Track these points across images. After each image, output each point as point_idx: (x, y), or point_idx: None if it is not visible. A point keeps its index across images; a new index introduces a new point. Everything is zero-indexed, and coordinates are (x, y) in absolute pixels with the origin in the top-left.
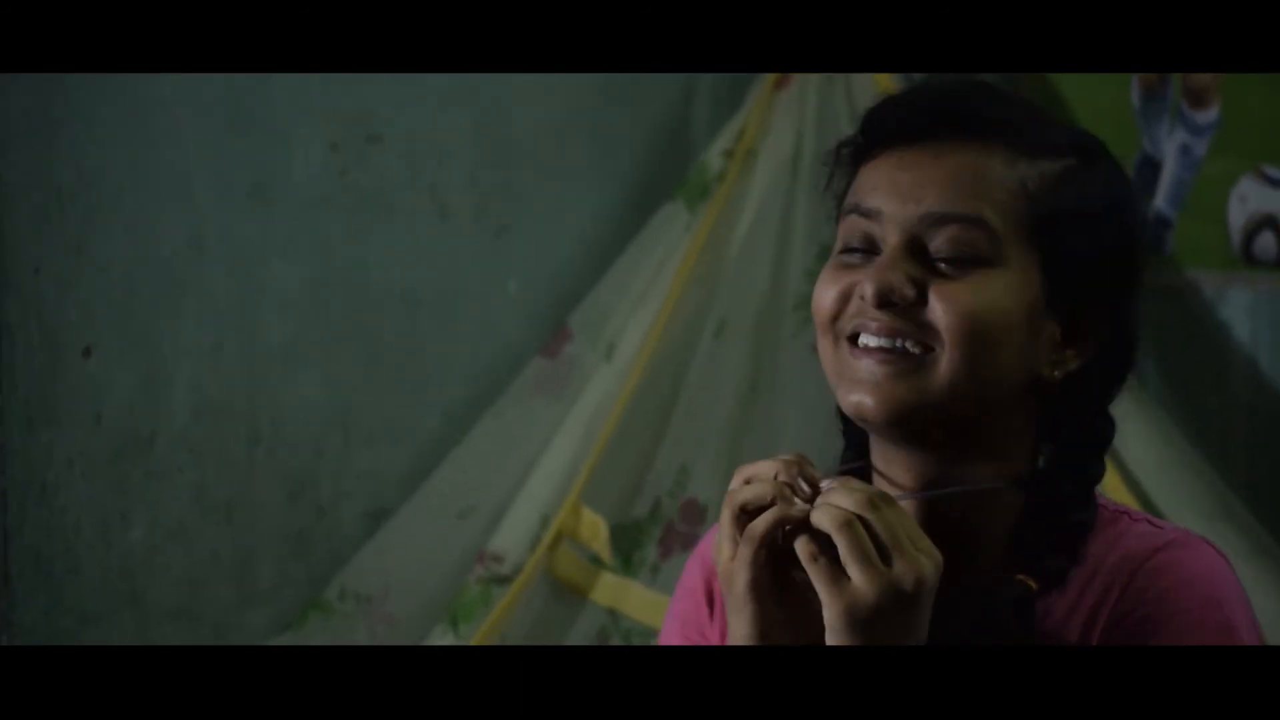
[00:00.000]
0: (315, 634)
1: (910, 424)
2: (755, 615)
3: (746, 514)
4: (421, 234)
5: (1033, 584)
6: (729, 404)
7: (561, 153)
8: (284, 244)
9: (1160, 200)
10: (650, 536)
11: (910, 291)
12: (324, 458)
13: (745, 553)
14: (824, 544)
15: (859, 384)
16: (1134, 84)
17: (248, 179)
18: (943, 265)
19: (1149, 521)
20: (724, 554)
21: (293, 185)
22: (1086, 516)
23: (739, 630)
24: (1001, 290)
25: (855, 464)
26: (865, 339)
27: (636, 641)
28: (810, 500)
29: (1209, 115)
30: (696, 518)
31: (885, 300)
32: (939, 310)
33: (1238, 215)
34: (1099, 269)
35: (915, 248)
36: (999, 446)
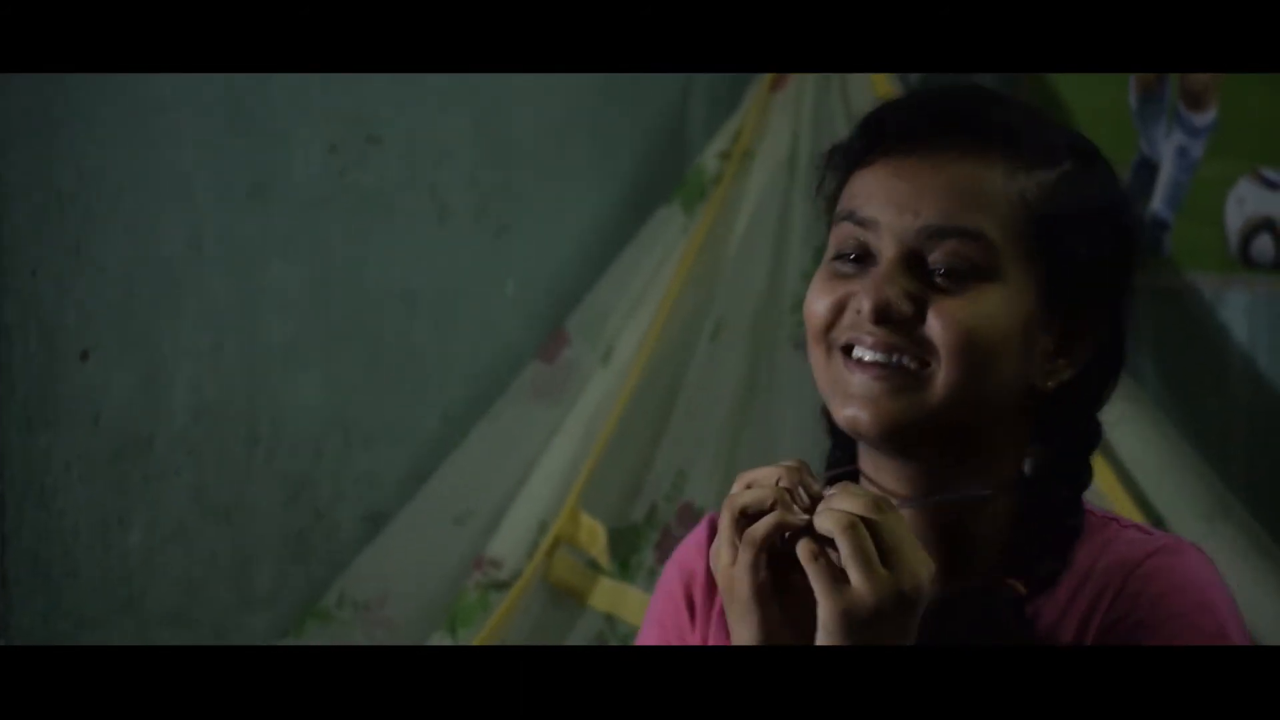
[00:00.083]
0: (314, 641)
1: (905, 439)
2: (761, 620)
3: (746, 518)
4: (420, 235)
5: (1022, 589)
6: (726, 406)
7: (560, 154)
8: (283, 245)
9: (1158, 202)
10: (647, 540)
11: (908, 308)
12: (323, 459)
13: (746, 557)
14: (825, 547)
15: (854, 399)
16: (1131, 86)
17: (247, 179)
18: (940, 279)
19: (1138, 528)
20: (723, 559)
21: (292, 186)
22: (1075, 521)
23: (745, 635)
24: (1000, 305)
25: (847, 468)
26: (860, 352)
27: None
28: (810, 509)
29: (1206, 117)
30: (693, 521)
31: (883, 316)
32: (937, 327)
33: (1235, 217)
34: (1094, 276)
35: (913, 261)
36: (991, 455)
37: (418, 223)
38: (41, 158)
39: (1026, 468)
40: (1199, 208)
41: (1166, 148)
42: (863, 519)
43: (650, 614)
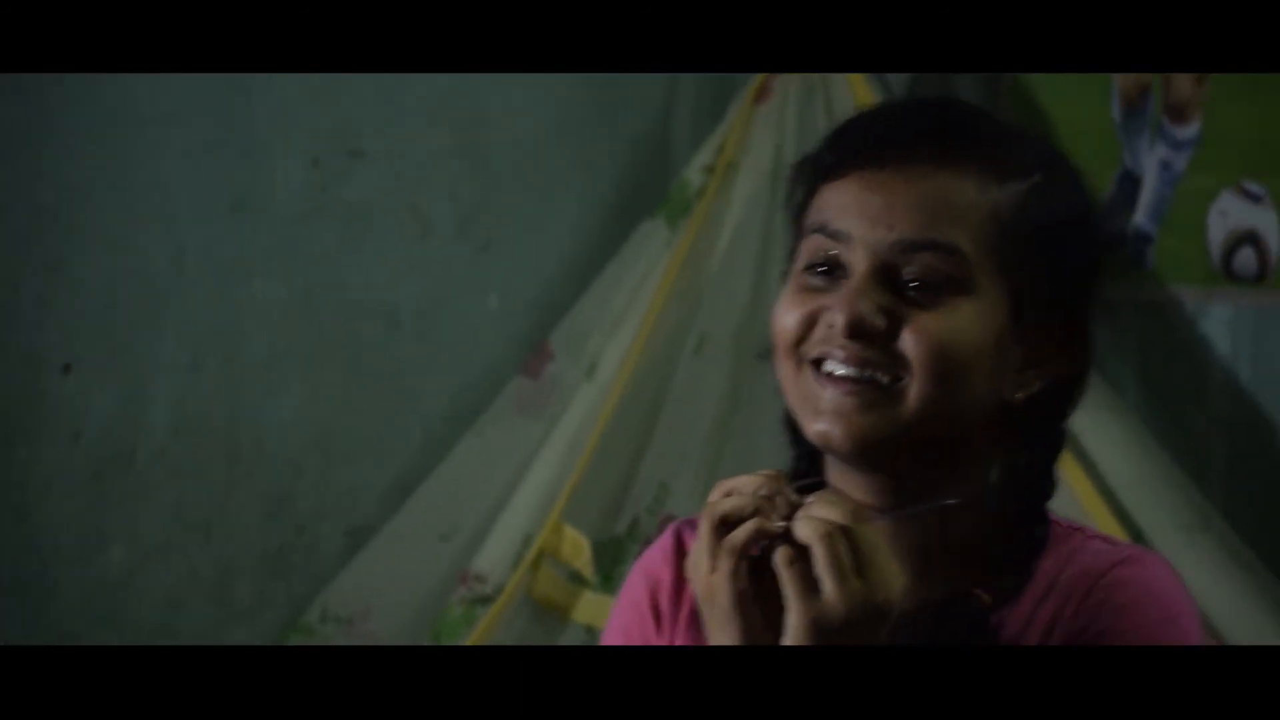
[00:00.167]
0: None
1: (877, 454)
2: (742, 628)
3: (726, 526)
4: (403, 250)
5: (987, 599)
6: (709, 420)
7: (543, 168)
8: (265, 260)
9: (1141, 215)
10: (629, 553)
11: (882, 322)
12: (304, 475)
13: (726, 565)
14: (802, 554)
15: (825, 414)
16: (1115, 98)
17: (228, 194)
18: (914, 292)
19: (1104, 539)
20: (702, 568)
21: (273, 201)
22: (1041, 531)
23: (725, 643)
24: (973, 319)
25: (814, 480)
26: (832, 366)
27: None
28: (789, 516)
29: (1189, 130)
30: None
31: (857, 331)
32: (910, 341)
33: (1218, 230)
34: (1064, 287)
35: (886, 274)
36: (960, 467)
37: (400, 238)
38: (23, 173)
39: (992, 478)
40: (1182, 220)
41: (1150, 161)
42: (840, 528)
43: (613, 622)
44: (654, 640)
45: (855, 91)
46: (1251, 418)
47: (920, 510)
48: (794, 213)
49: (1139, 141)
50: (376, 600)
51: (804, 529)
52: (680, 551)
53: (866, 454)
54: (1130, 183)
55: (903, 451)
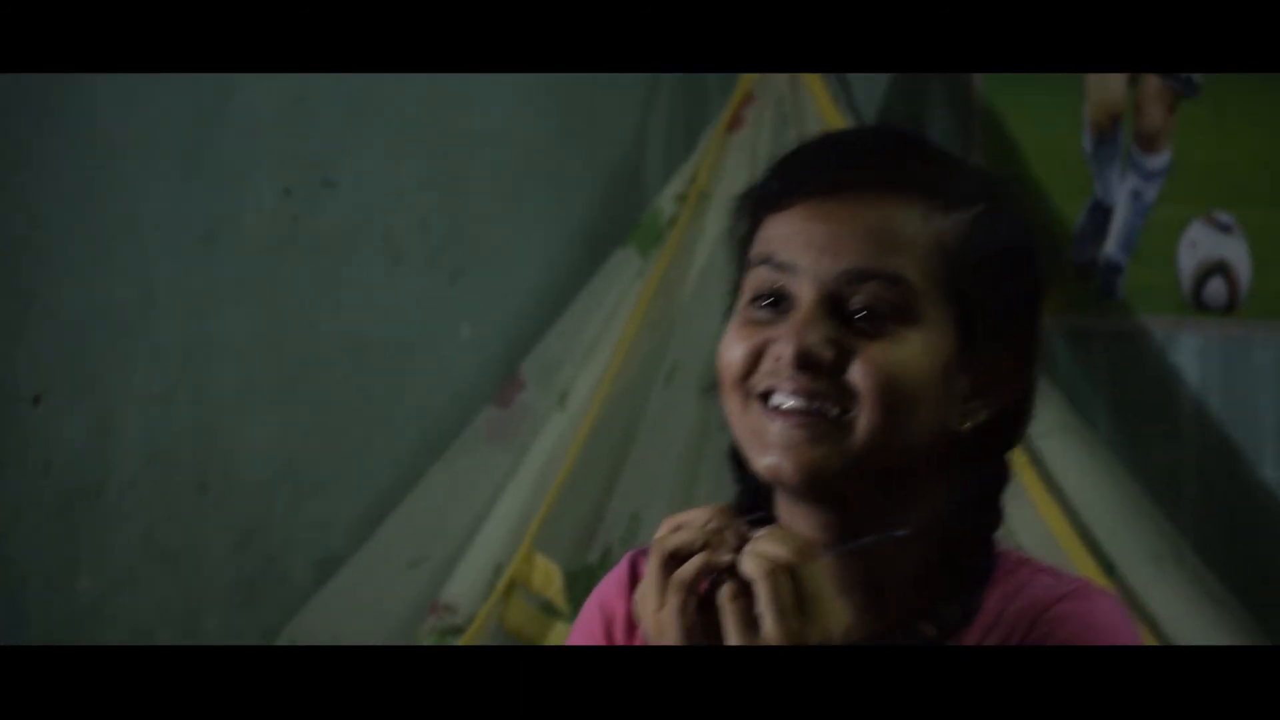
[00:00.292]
0: None
1: (827, 486)
2: None
3: (675, 561)
4: (374, 280)
5: (931, 630)
6: (681, 449)
7: (514, 198)
8: (235, 290)
9: (1111, 245)
10: None
11: (830, 353)
12: (274, 506)
13: (675, 601)
14: (746, 589)
15: (773, 447)
16: (1085, 129)
17: (199, 225)
18: (861, 323)
19: (1051, 572)
20: (650, 604)
21: (244, 231)
22: (985, 563)
23: None
24: (920, 349)
25: (761, 514)
26: (780, 399)
27: None
28: (739, 549)
29: (1160, 160)
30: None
31: (805, 363)
32: (859, 373)
33: (1188, 260)
34: (1009, 316)
35: (833, 305)
36: (907, 499)
37: (371, 268)
38: None
39: (939, 510)
40: (1152, 251)
41: (1120, 191)
42: (785, 566)
43: None
44: None
45: (827, 120)
46: (1222, 447)
47: (867, 543)
48: (738, 245)
49: (1110, 171)
50: (345, 629)
51: (749, 564)
52: (635, 581)
53: (816, 486)
54: (1101, 212)
55: (853, 484)
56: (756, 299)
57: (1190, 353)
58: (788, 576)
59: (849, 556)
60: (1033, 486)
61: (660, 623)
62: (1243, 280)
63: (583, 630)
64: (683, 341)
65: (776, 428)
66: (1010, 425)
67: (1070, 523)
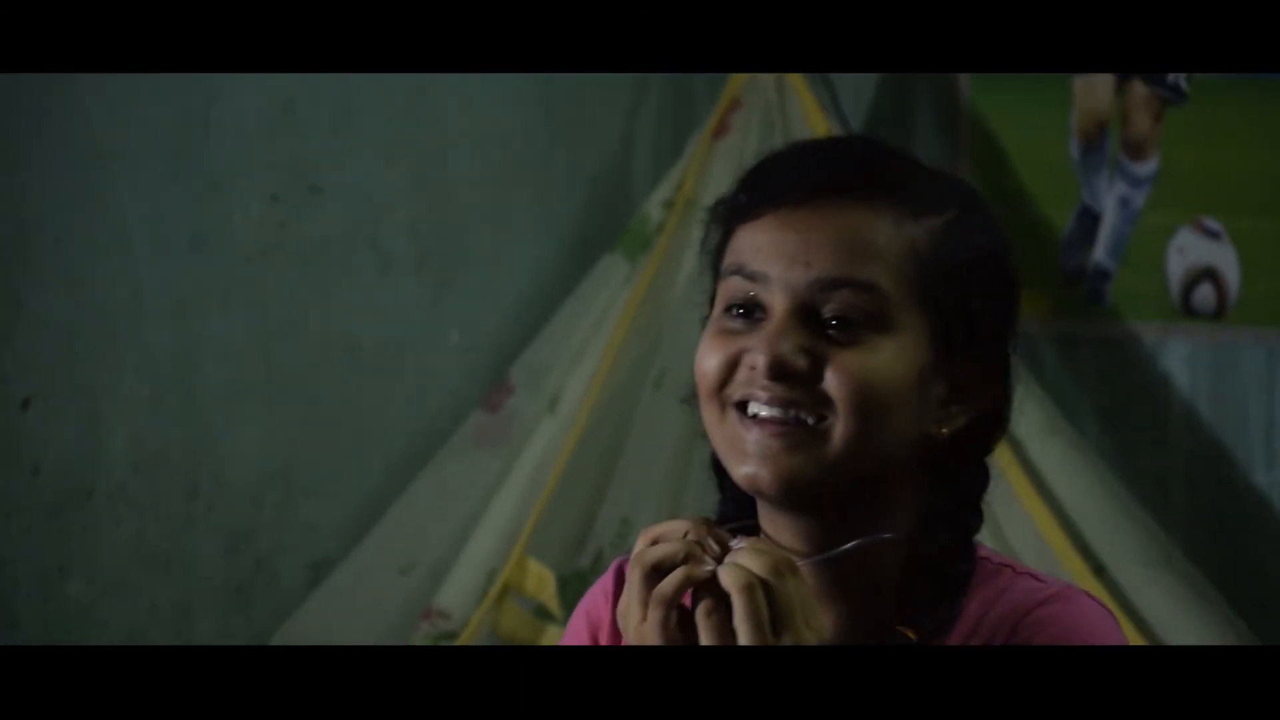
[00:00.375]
0: None
1: (805, 494)
2: None
3: (657, 574)
4: (362, 285)
5: (912, 635)
6: (670, 454)
7: (502, 204)
8: (224, 295)
9: (1100, 252)
10: None
11: (803, 362)
12: (264, 510)
13: (657, 616)
14: (723, 601)
15: (751, 456)
16: (1073, 136)
17: (187, 230)
18: (834, 331)
19: (1033, 575)
20: (633, 617)
21: (233, 237)
22: (966, 567)
23: None
24: (894, 355)
25: (747, 522)
26: (756, 408)
27: None
28: (719, 559)
29: (1148, 167)
30: None
31: (778, 372)
32: (833, 381)
33: (1176, 267)
34: (982, 321)
35: (805, 313)
36: (887, 505)
37: (360, 273)
38: None
39: (919, 515)
40: (1140, 257)
41: (1108, 197)
42: (762, 580)
43: None
44: None
45: (813, 126)
46: (1210, 453)
47: (848, 550)
48: (711, 256)
49: (1098, 178)
50: (337, 636)
51: (726, 577)
52: (621, 587)
53: (793, 495)
54: (1089, 219)
55: (831, 491)
56: (730, 309)
57: (1179, 359)
58: (764, 590)
59: (831, 563)
60: (1022, 489)
61: (643, 636)
62: (1231, 286)
63: (571, 638)
64: (671, 347)
65: (753, 437)
66: (988, 429)
67: (1060, 525)
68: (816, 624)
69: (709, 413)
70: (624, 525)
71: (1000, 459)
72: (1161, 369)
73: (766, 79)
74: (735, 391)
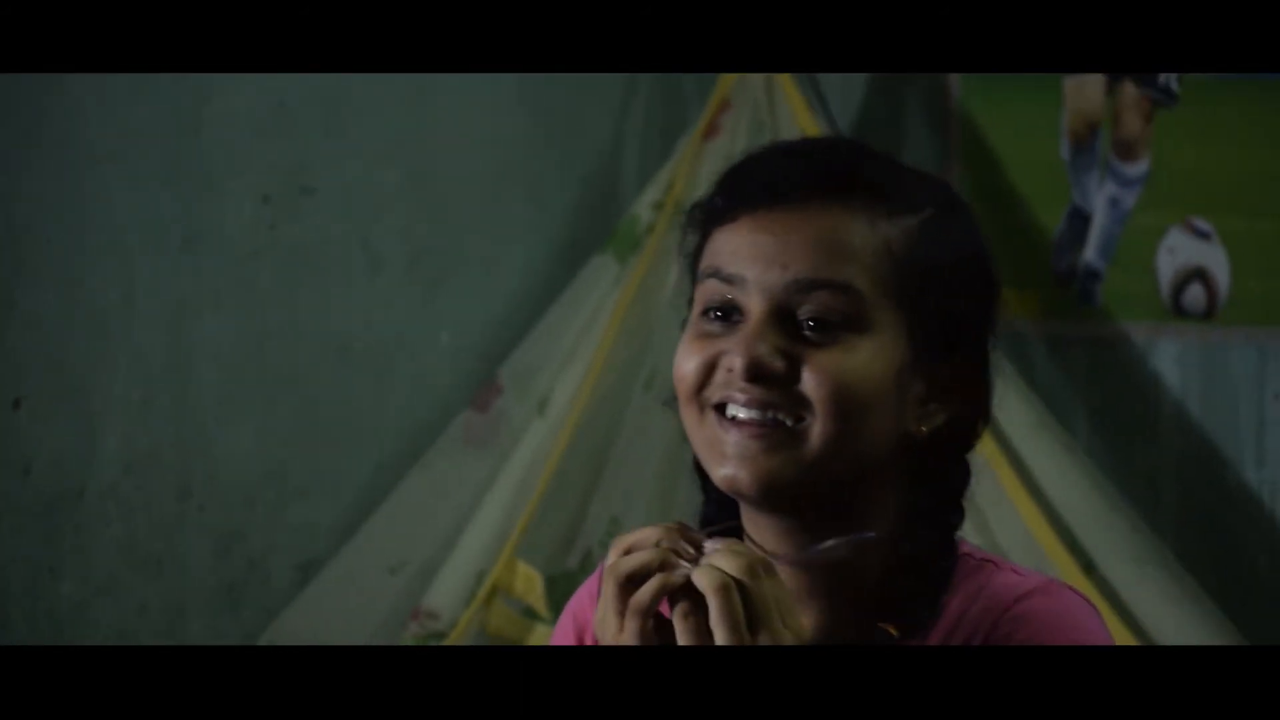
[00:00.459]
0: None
1: (785, 495)
2: None
3: (632, 585)
4: (354, 287)
5: (894, 631)
6: (660, 454)
7: (493, 205)
8: (215, 296)
9: (1090, 252)
10: None
11: (780, 364)
12: (255, 511)
13: (634, 625)
14: (699, 605)
15: (730, 458)
16: (1063, 136)
17: (179, 231)
18: (811, 332)
19: (1015, 570)
20: (610, 628)
21: (224, 237)
22: (948, 564)
23: None
24: (872, 355)
25: (730, 523)
26: (734, 410)
27: None
28: (694, 562)
29: (1138, 168)
30: None
31: (755, 374)
32: (811, 382)
33: (1166, 267)
34: (961, 319)
35: (782, 315)
36: (868, 505)
37: (351, 274)
38: None
39: (900, 513)
40: (1131, 257)
41: (1099, 198)
42: (738, 581)
43: None
44: None
45: (802, 127)
46: (1201, 453)
47: (827, 549)
48: (688, 259)
49: (1088, 179)
50: (325, 635)
51: (702, 579)
52: None
53: (773, 496)
54: (1079, 219)
55: (810, 492)
56: (707, 311)
57: (1169, 359)
58: (740, 591)
59: (812, 562)
60: (1011, 487)
61: (621, 645)
62: (1221, 286)
63: (559, 640)
64: (661, 348)
65: (732, 439)
66: (968, 427)
67: (1049, 523)
68: (794, 623)
69: (688, 415)
70: (614, 525)
71: (990, 457)
72: (1152, 369)
73: (756, 80)
74: (714, 394)
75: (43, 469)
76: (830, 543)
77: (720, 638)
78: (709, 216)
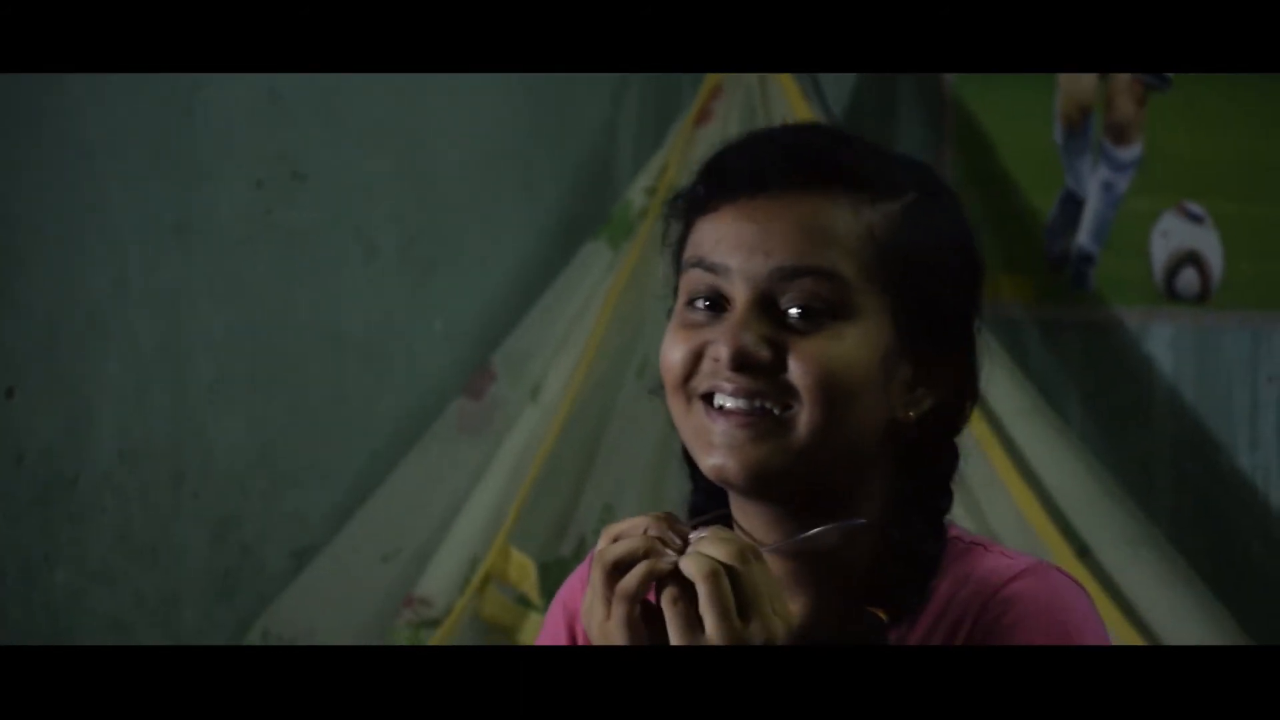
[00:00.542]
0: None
1: (773, 483)
2: None
3: (619, 571)
4: (347, 273)
5: (883, 615)
6: (653, 441)
7: (486, 191)
8: (208, 283)
9: (1083, 236)
10: None
11: (766, 352)
12: (249, 498)
13: (621, 612)
14: (688, 590)
15: (718, 447)
16: (1056, 121)
17: (171, 218)
18: (796, 320)
19: (1003, 553)
20: (597, 615)
21: (216, 224)
22: (937, 547)
23: None
24: (857, 342)
25: (719, 512)
26: (721, 400)
27: None
28: (681, 551)
29: (1131, 152)
30: None
31: (741, 363)
32: (797, 370)
33: (1160, 251)
34: (946, 304)
35: (766, 303)
36: (856, 491)
37: (344, 261)
38: None
39: (889, 497)
40: (1124, 241)
41: (1092, 182)
42: (726, 567)
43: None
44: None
45: (796, 113)
46: (1194, 437)
47: (816, 535)
48: (672, 249)
49: (1081, 163)
50: (320, 622)
51: (690, 566)
52: None
53: (761, 484)
54: (1073, 204)
55: (799, 480)
56: (692, 301)
57: (1162, 343)
58: (728, 577)
59: (801, 548)
60: (1005, 471)
61: (607, 633)
62: (1214, 270)
63: (548, 628)
64: (654, 335)
65: (720, 428)
66: (955, 411)
67: (1043, 507)
68: (783, 610)
69: (675, 405)
70: (607, 512)
71: (983, 441)
72: (1145, 353)
73: None
74: (700, 383)
75: (36, 458)
76: (818, 529)
77: (710, 624)
78: (691, 206)
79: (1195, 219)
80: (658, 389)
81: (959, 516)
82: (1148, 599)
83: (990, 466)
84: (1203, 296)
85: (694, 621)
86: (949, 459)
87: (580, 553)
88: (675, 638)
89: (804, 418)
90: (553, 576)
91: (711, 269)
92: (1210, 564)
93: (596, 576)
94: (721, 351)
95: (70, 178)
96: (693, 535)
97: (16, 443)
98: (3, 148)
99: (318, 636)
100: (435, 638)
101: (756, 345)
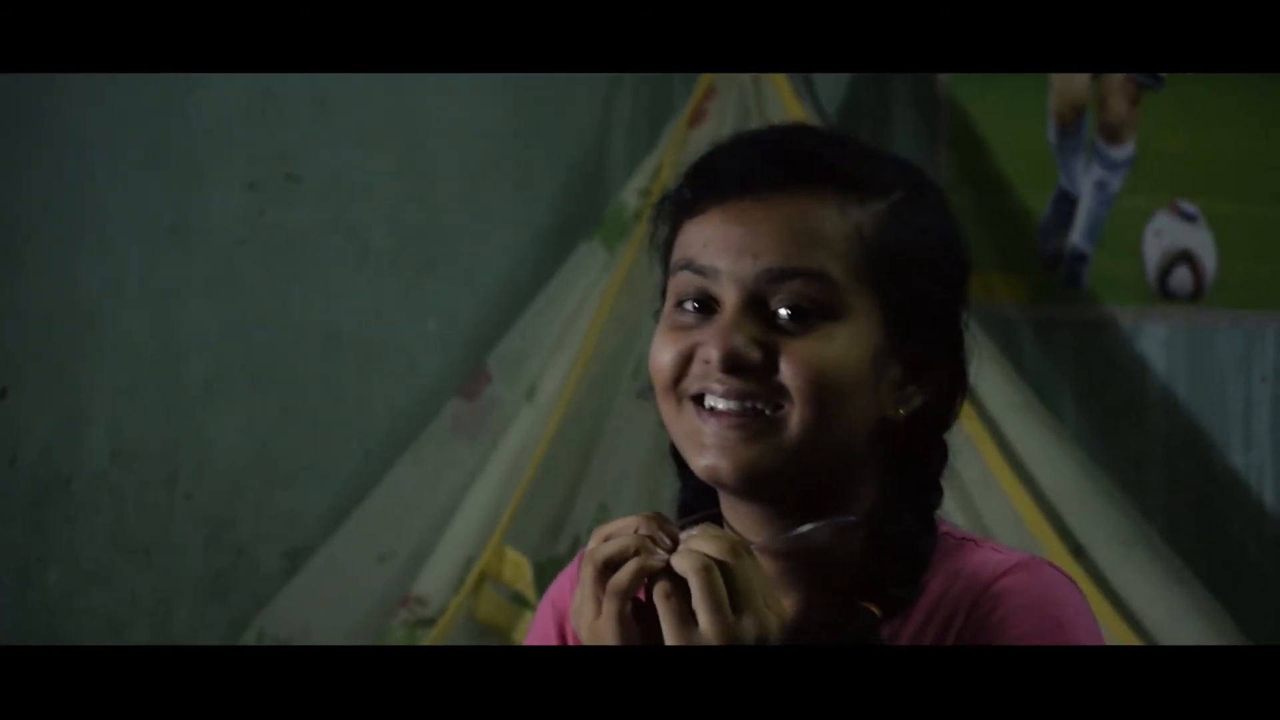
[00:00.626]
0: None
1: (764, 483)
2: None
3: (610, 569)
4: (341, 274)
5: (876, 610)
6: (648, 441)
7: (480, 192)
8: (203, 284)
9: (1076, 235)
10: None
11: (757, 354)
12: (243, 498)
13: (611, 609)
14: (680, 587)
15: (709, 448)
16: (1050, 120)
17: (165, 219)
18: (785, 321)
19: (995, 549)
20: (587, 614)
21: (211, 225)
22: (928, 543)
23: None
24: (847, 342)
25: (710, 511)
26: (712, 401)
27: None
28: (672, 550)
29: (1124, 151)
30: None
31: (732, 365)
32: (788, 372)
33: (1153, 250)
34: (935, 301)
35: (756, 305)
36: (848, 489)
37: (338, 261)
38: None
39: (880, 494)
40: (1117, 240)
41: (1085, 181)
42: (718, 562)
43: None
44: None
45: (790, 113)
46: (1188, 436)
47: (807, 533)
48: (660, 251)
49: (1074, 162)
50: (316, 621)
51: (682, 562)
52: None
53: (753, 484)
54: (1066, 203)
55: (790, 479)
56: (681, 303)
57: (1156, 341)
58: (721, 572)
59: (792, 545)
60: (999, 470)
61: (598, 631)
62: (1207, 269)
63: (539, 631)
64: (649, 336)
65: (711, 429)
66: (945, 408)
67: (1040, 508)
68: (775, 604)
69: (666, 406)
70: (602, 512)
71: (977, 441)
72: (1139, 352)
73: None
74: (691, 385)
75: (30, 458)
76: (809, 527)
77: (703, 618)
78: (679, 209)
79: (1188, 218)
80: (646, 392)
81: (954, 514)
82: (1142, 598)
83: (984, 465)
84: (1196, 295)
85: (687, 616)
86: (939, 455)
87: (575, 552)
88: (669, 633)
89: (795, 418)
90: (548, 576)
91: (700, 271)
92: (1204, 563)
93: (587, 575)
94: (712, 353)
95: (66, 178)
96: (683, 535)
97: (11, 443)
98: None
99: (312, 636)
100: (430, 637)
101: (747, 347)
